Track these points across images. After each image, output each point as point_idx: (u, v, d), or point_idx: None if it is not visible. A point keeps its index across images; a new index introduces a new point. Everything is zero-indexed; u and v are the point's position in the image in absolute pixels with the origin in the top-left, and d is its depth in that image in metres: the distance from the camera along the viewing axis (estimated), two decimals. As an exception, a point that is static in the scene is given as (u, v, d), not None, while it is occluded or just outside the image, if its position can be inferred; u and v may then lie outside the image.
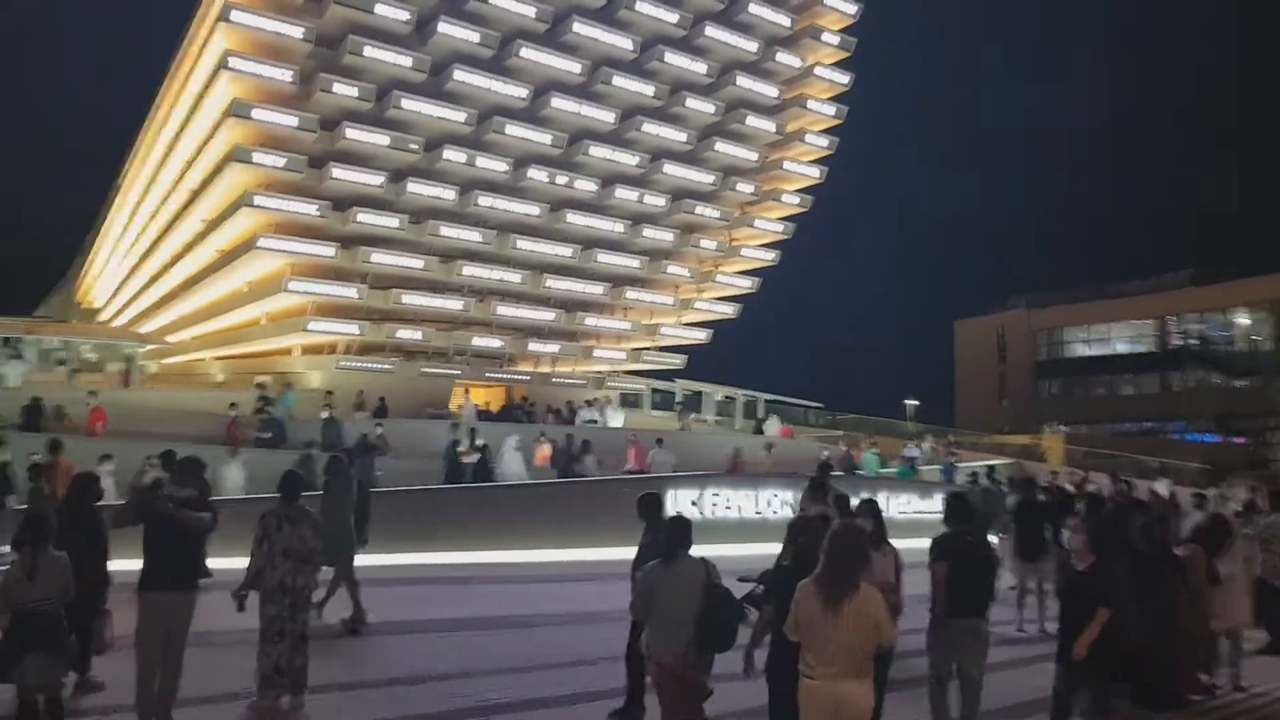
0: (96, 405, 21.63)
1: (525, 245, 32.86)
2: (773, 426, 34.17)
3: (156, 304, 41.63)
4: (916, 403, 59.15)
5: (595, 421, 30.69)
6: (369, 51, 28.82)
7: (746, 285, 39.28)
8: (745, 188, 36.81)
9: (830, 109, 37.81)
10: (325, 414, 23.26)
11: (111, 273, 50.47)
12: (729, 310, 39.34)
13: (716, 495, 21.26)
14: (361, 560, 11.43)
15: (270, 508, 8.30)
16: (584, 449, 22.82)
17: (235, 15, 27.01)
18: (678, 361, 39.65)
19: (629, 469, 23.51)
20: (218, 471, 16.05)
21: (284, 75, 27.94)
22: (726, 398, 43.19)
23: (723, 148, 35.55)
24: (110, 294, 51.19)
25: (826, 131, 38.21)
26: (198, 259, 34.48)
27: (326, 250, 29.54)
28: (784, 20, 35.91)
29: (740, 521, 20.84)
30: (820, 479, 11.08)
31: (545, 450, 23.71)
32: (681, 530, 6.09)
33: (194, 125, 31.80)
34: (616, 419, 31.36)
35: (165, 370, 41.52)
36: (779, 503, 21.88)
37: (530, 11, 30.84)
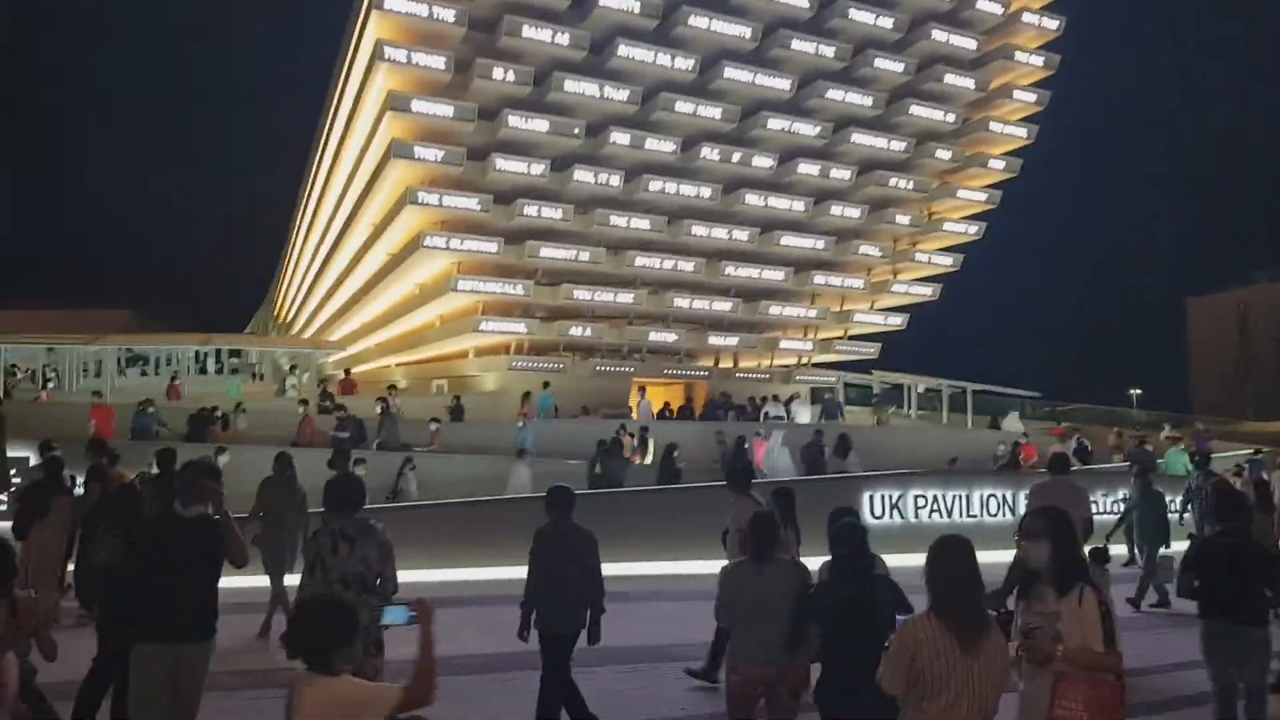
0: (98, 404, 20.71)
1: (699, 231, 30.45)
2: (1013, 422, 30.41)
3: (339, 313, 41.62)
4: (1139, 391, 53.62)
5: (782, 418, 27.98)
6: (526, 31, 27.15)
7: (947, 263, 35.44)
8: (943, 154, 33.13)
9: (1039, 59, 33.53)
10: (380, 407, 21.53)
11: (300, 285, 51.40)
12: (928, 291, 35.61)
13: (922, 496, 18.30)
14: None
15: (324, 525, 6.08)
16: (842, 445, 20.15)
17: (389, 3, 25.79)
18: (872, 350, 36.22)
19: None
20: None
21: (439, 63, 26.53)
22: (929, 390, 39.33)
23: (916, 110, 32.05)
24: (299, 306, 52.16)
25: (1036, 85, 33.93)
26: (371, 263, 33.81)
27: (491, 246, 28.03)
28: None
29: (951, 527, 17.74)
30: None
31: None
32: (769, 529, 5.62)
33: (356, 123, 31.05)
34: (804, 414, 28.44)
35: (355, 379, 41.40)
36: (996, 504, 18.78)
37: (695, -25, 28.34)
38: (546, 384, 26.55)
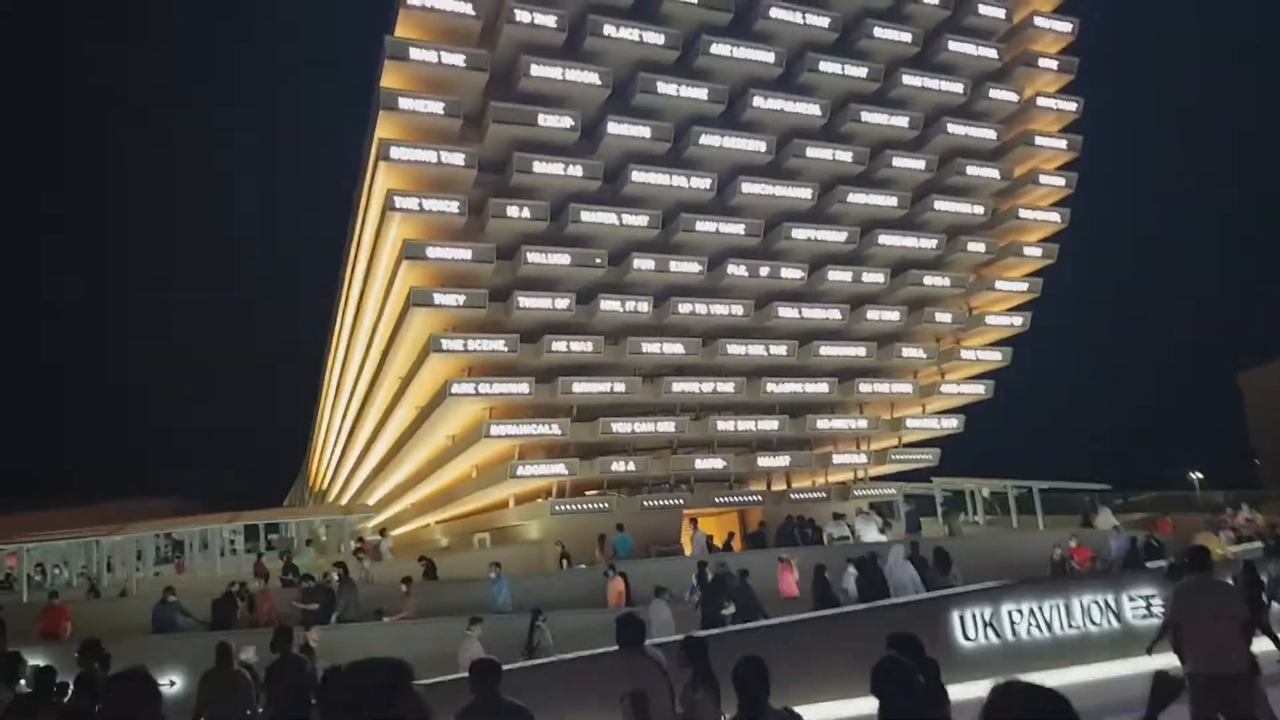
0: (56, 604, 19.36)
1: (735, 350, 29.33)
2: (1106, 518, 28.43)
3: (374, 474, 40.54)
4: (1200, 475, 51.29)
5: (847, 538, 26.28)
6: (538, 167, 26.70)
7: (996, 359, 33.97)
8: (976, 247, 32.07)
9: (1062, 142, 32.80)
10: (337, 574, 19.82)
11: (332, 450, 50.59)
12: (980, 390, 34.04)
13: (1017, 610, 16.39)
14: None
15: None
16: (943, 559, 18.45)
17: (394, 152, 25.52)
18: (930, 457, 34.43)
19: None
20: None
21: (453, 208, 26.07)
22: (994, 493, 37.36)
23: (942, 206, 31.20)
24: (333, 472, 51.23)
25: (1062, 169, 33.13)
26: (400, 417, 32.86)
27: (522, 387, 27.00)
28: (991, 53, 31.58)
29: (1054, 642, 15.97)
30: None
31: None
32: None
33: (375, 276, 30.62)
34: (870, 532, 26.65)
35: (396, 542, 40.04)
36: (1098, 610, 16.84)
37: (702, 95, 28.03)
38: (621, 526, 25.38)
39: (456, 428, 29.54)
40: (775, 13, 28.60)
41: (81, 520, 41.04)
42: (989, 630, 15.85)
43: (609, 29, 26.87)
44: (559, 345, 27.44)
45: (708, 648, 6.49)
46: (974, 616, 15.94)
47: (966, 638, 15.43)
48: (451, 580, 23.69)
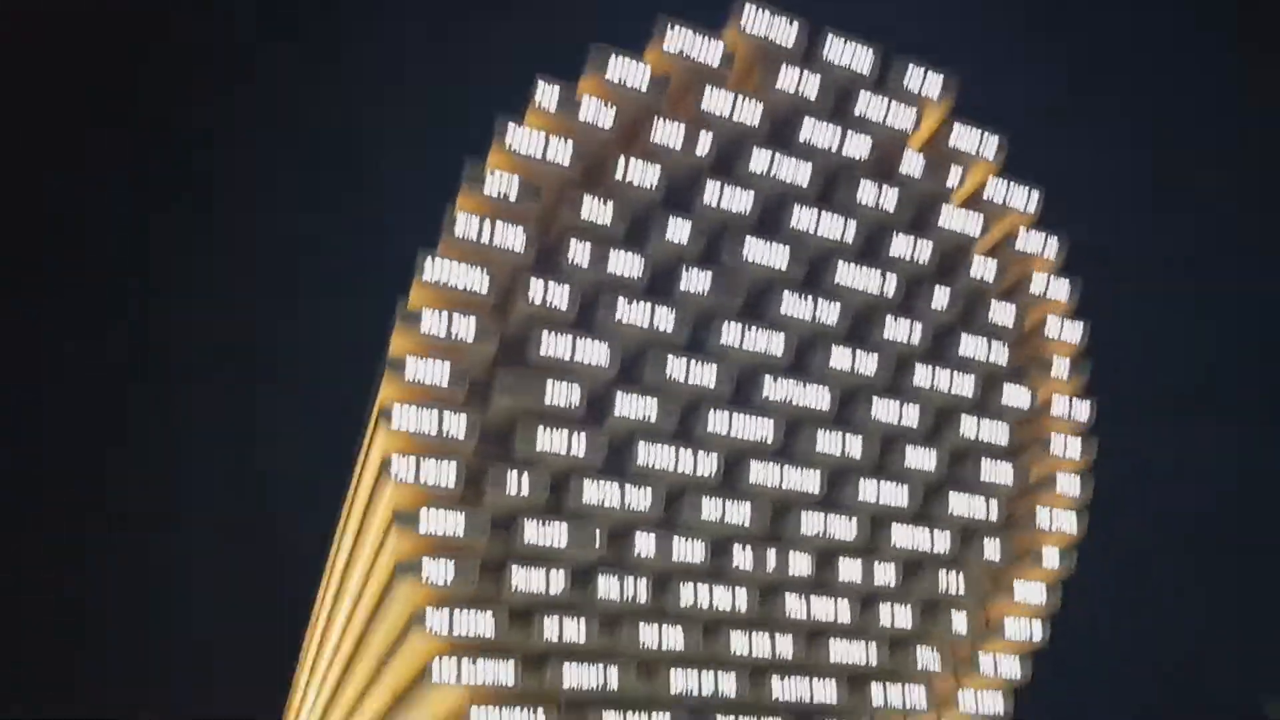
0: None
1: (738, 642, 27.57)
2: None
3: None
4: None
5: None
6: (540, 440, 26.20)
7: (1016, 673, 31.75)
8: (991, 549, 30.84)
9: (1076, 445, 32.29)
10: None
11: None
12: (998, 707, 31.55)
13: None
14: None
15: None
16: None
17: (396, 414, 25.17)
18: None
19: None
20: None
21: (449, 476, 25.38)
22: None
23: (956, 502, 30.33)
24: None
25: (1081, 472, 32.44)
26: (377, 699, 30.56)
27: (508, 671, 25.22)
28: (1000, 359, 31.66)
29: None
30: None
31: None
32: None
33: (362, 547, 29.48)
34: None
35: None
36: None
37: (711, 378, 27.89)
38: None
39: (435, 713, 27.26)
40: (787, 305, 28.89)
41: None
42: None
43: (621, 307, 27.07)
44: (551, 626, 25.83)
45: None
46: None
47: None
48: None
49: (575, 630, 26.17)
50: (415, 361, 25.59)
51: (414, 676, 26.68)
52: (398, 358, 25.58)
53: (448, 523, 25.29)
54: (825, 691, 28.68)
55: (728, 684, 27.35)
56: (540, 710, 25.50)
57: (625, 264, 27.30)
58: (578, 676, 26.21)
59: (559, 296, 26.55)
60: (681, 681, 27.11)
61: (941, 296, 30.81)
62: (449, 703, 26.23)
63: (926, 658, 30.17)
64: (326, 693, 38.69)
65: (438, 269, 25.75)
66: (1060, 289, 32.89)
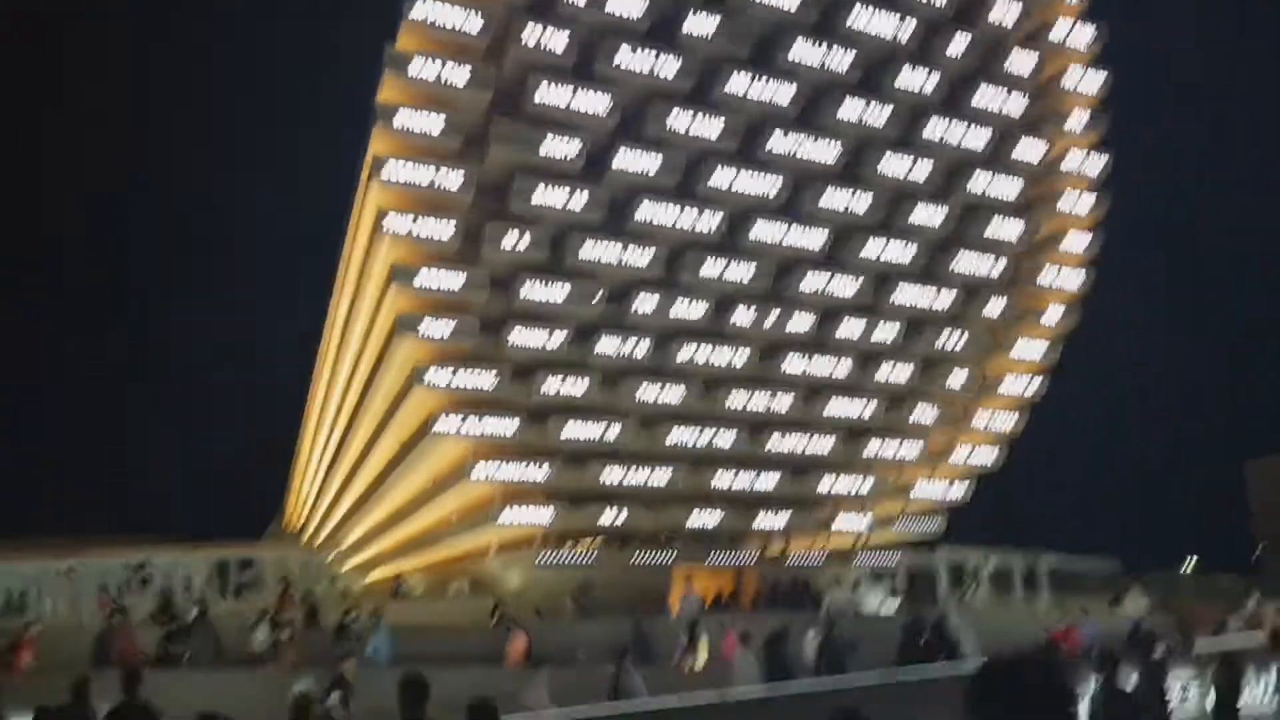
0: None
1: (738, 399, 27.63)
2: (1136, 602, 26.08)
3: (350, 513, 38.56)
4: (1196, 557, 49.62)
5: (846, 611, 24.32)
6: (539, 195, 25.21)
7: (1009, 425, 32.28)
8: (994, 307, 30.55)
9: (1088, 200, 31.43)
10: (196, 611, 17.87)
11: (309, 487, 48.54)
12: (988, 459, 32.28)
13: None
14: None
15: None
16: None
17: (388, 168, 24.07)
18: (935, 524, 32.57)
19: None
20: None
21: (446, 231, 24.57)
22: (998, 570, 35.43)
23: (962, 262, 29.75)
24: (309, 510, 49.11)
25: (1091, 228, 31.71)
26: (380, 454, 31.06)
27: (509, 426, 25.31)
28: (1019, 105, 30.23)
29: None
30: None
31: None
32: None
33: (361, 301, 29.03)
34: (873, 599, 24.75)
35: (370, 587, 37.90)
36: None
37: (716, 130, 26.65)
38: (689, 576, 24.46)
39: (438, 467, 27.73)
40: (797, 50, 27.26)
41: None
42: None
43: (623, 54, 25.52)
44: (552, 383, 25.80)
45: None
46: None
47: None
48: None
49: (575, 387, 26.10)
50: (406, 111, 24.28)
51: (416, 432, 26.83)
52: (387, 106, 24.23)
53: (446, 280, 24.77)
54: (822, 446, 29.07)
55: (726, 439, 27.59)
56: (544, 464, 25.73)
57: (626, 6, 25.49)
58: (578, 431, 26.32)
59: (556, 41, 24.93)
60: (681, 436, 27.30)
61: (960, 42, 29.09)
62: (450, 457, 26.62)
63: (924, 413, 30.44)
64: (331, 449, 39.54)
65: (427, 8, 23.95)
66: (1083, 36, 31.12)
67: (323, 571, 37.05)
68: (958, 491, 32.32)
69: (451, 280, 24.75)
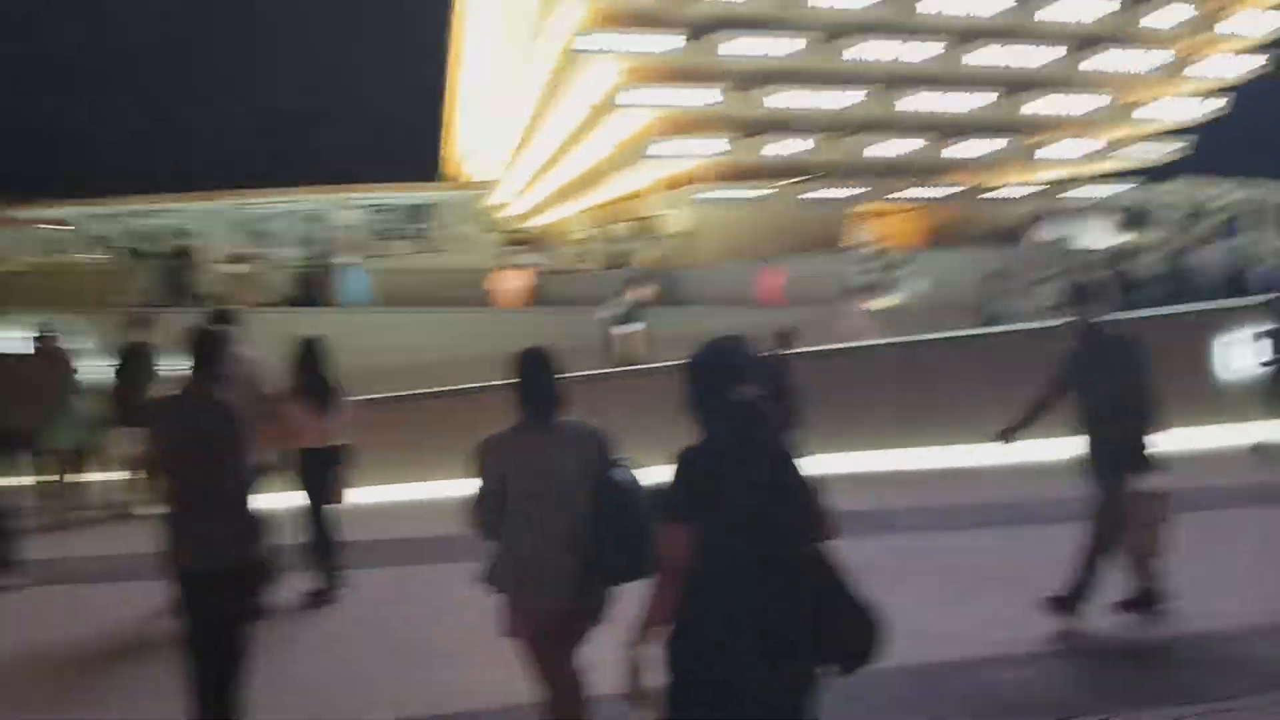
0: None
1: (932, 5, 23.17)
2: None
3: (511, 156, 36.79)
4: None
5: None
6: None
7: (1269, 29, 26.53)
8: None
9: None
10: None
11: (464, 126, 46.80)
12: (1239, 72, 26.83)
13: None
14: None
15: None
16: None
17: None
18: (1168, 152, 27.79)
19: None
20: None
21: None
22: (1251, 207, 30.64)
23: None
24: (467, 151, 47.81)
25: None
26: (531, 81, 28.57)
27: (672, 41, 21.96)
28: None
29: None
30: None
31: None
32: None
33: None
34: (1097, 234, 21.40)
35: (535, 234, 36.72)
36: None
37: None
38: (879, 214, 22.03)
39: (595, 96, 24.93)
40: None
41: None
42: None
43: None
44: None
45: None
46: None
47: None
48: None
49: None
50: None
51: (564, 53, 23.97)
52: None
53: None
54: (1040, 57, 24.62)
55: (919, 55, 23.79)
56: (705, 89, 22.66)
57: None
58: (747, 48, 22.99)
59: None
60: (863, 53, 23.45)
61: None
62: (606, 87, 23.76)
63: (1160, 18, 25.21)
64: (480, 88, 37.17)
65: None
66: None
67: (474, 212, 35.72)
68: (1208, 109, 27.19)
69: None
